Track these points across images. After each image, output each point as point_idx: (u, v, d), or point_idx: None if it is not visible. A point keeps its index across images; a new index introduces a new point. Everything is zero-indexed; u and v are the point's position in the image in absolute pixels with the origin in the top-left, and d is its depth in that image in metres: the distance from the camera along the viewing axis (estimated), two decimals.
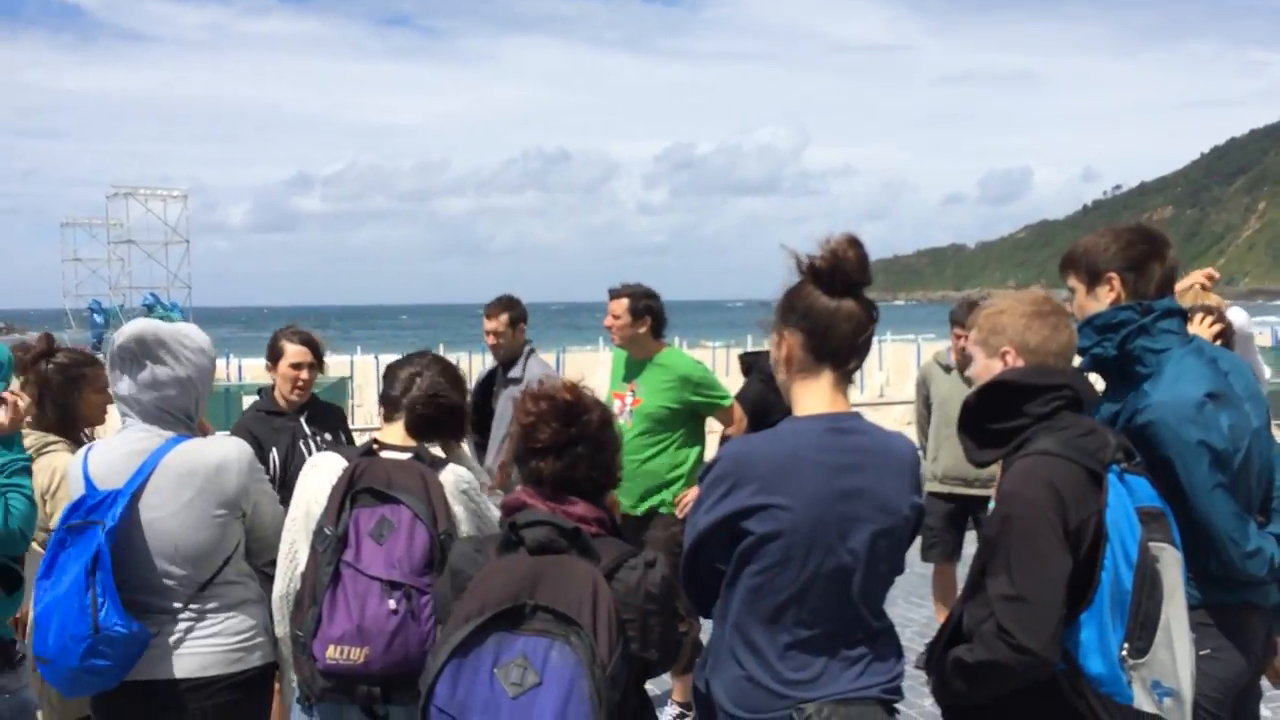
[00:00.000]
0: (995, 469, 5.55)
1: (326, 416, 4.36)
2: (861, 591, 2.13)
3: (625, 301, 4.77)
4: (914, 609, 6.74)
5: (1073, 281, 2.77)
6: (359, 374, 30.27)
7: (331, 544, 2.53)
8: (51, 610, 2.53)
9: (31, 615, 2.68)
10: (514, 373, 5.21)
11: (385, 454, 2.72)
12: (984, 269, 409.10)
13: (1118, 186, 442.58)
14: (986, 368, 2.45)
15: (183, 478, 2.65)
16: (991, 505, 4.99)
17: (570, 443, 2.08)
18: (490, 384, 5.37)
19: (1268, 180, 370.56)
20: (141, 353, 2.68)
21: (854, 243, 2.16)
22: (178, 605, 2.65)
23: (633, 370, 4.85)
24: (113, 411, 3.36)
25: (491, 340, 5.28)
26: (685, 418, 4.75)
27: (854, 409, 2.22)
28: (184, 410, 2.75)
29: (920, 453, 5.90)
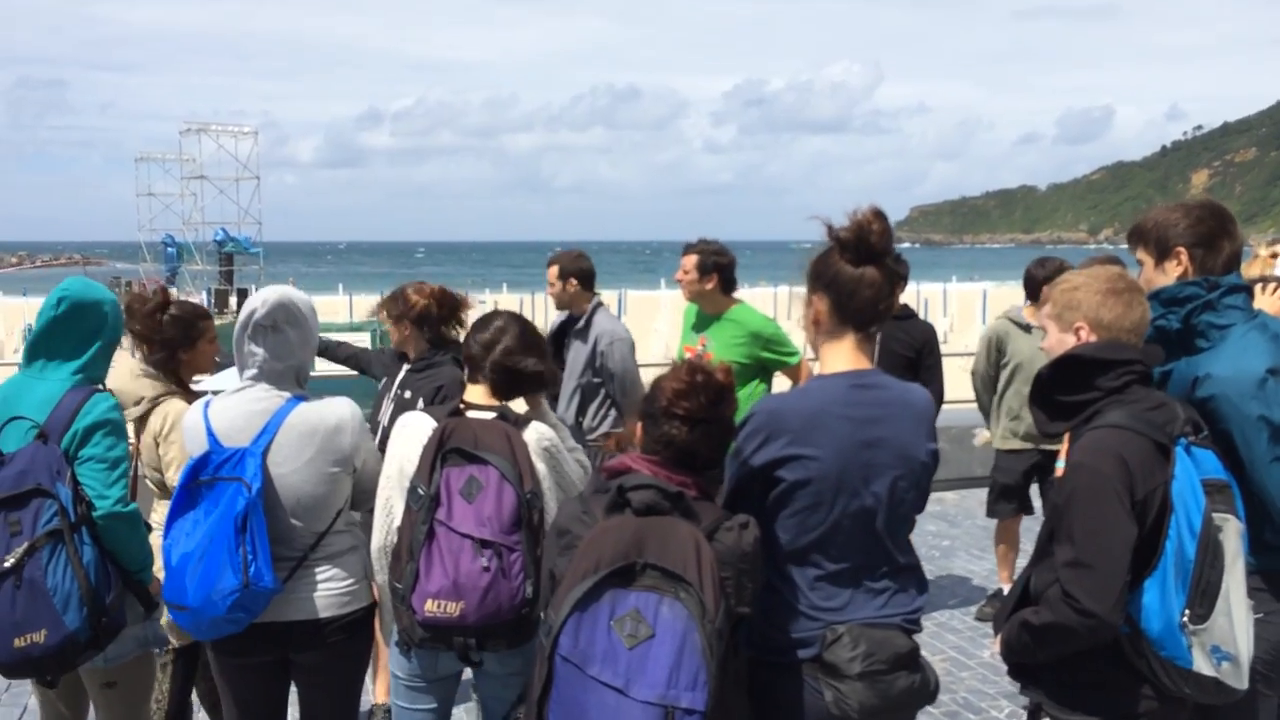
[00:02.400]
0: None
1: (427, 369, 4.34)
2: (886, 529, 2.37)
3: (694, 258, 4.90)
4: (975, 561, 6.86)
5: (1141, 254, 2.85)
6: None
7: (425, 503, 2.69)
8: (189, 561, 2.74)
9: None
10: (579, 325, 5.35)
11: (471, 414, 2.87)
12: (1054, 212, 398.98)
13: (1199, 127, 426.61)
14: (1060, 341, 2.55)
15: (304, 436, 2.86)
16: (1060, 465, 5.08)
17: (708, 420, 2.24)
18: (562, 335, 5.52)
19: None
20: (281, 321, 2.88)
21: (878, 215, 2.36)
22: (298, 554, 2.88)
23: (703, 324, 4.98)
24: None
25: (549, 290, 5.45)
26: (754, 372, 4.87)
27: (874, 367, 2.43)
28: (302, 372, 2.96)
29: (968, 407, 5.94)
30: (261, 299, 2.89)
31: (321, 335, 5.44)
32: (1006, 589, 5.93)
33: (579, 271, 5.39)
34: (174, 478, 3.35)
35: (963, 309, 34.61)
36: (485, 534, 2.64)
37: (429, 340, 4.26)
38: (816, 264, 2.41)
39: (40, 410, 2.86)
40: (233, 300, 49.58)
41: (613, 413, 5.31)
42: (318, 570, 2.90)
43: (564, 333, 5.46)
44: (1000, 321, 5.81)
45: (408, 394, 4.20)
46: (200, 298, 48.96)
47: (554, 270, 5.40)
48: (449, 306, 4.21)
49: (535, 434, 2.88)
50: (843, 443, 2.30)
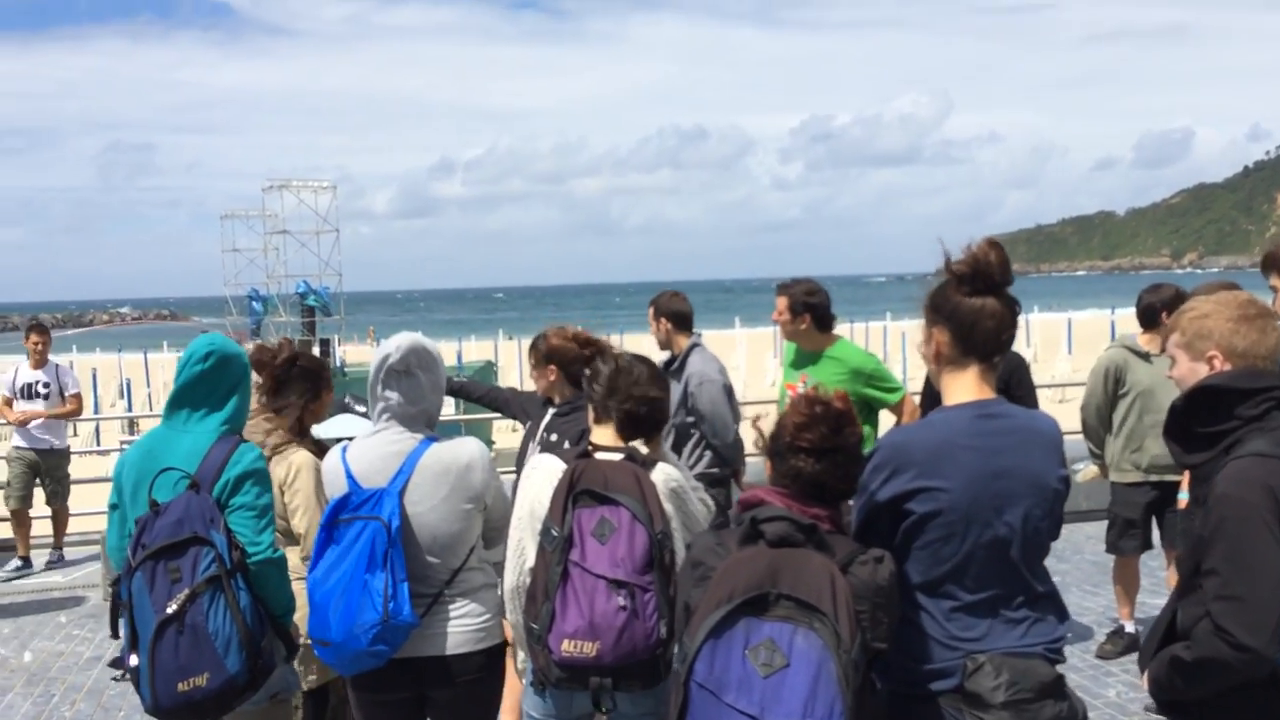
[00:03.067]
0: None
1: (572, 413, 4.40)
2: (1021, 557, 2.34)
3: (785, 299, 4.93)
4: (1088, 597, 6.69)
5: (1274, 281, 2.82)
6: (502, 357, 31.23)
7: (559, 544, 2.74)
8: (331, 597, 2.85)
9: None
10: (674, 366, 5.39)
11: (600, 455, 2.92)
12: (1134, 237, 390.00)
13: None
14: (1192, 371, 2.52)
15: (438, 476, 2.96)
16: (1182, 496, 4.96)
17: (833, 450, 2.26)
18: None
19: None
20: (413, 365, 2.99)
21: (994, 245, 2.38)
22: (434, 591, 2.97)
23: (804, 361, 5.00)
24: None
25: (651, 330, 5.52)
26: (858, 410, 4.84)
27: (998, 396, 2.44)
28: (433, 414, 3.06)
29: (1079, 437, 5.81)
30: (395, 344, 3.00)
31: (451, 376, 5.59)
32: (1128, 626, 5.79)
33: (671, 312, 5.45)
34: (300, 524, 3.48)
35: (1046, 339, 33.97)
36: (619, 574, 2.68)
37: (572, 383, 4.31)
38: (934, 297, 2.43)
39: (189, 461, 2.99)
40: (315, 350, 50.95)
41: (708, 454, 5.33)
42: (453, 606, 2.98)
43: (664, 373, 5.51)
44: (1117, 350, 5.64)
45: (554, 437, 4.27)
46: None
47: (651, 311, 5.48)
48: (591, 349, 4.30)
49: (662, 475, 2.92)
50: (971, 473, 2.30)
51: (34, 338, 8.57)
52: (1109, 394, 5.59)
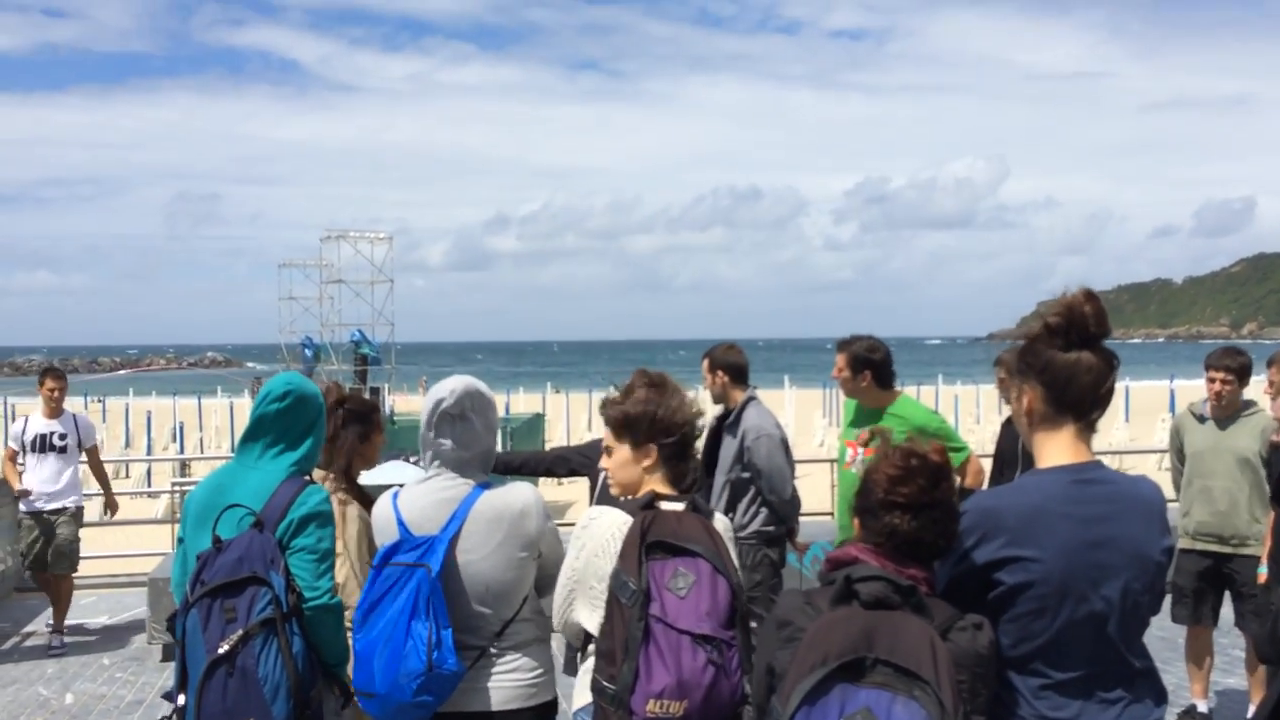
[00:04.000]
0: (1260, 526, 5.27)
1: None
2: (1119, 634, 2.16)
3: (844, 356, 4.81)
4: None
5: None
6: (549, 410, 31.24)
7: (639, 599, 2.58)
8: (375, 647, 2.74)
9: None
10: (730, 420, 5.29)
11: (663, 505, 2.79)
12: (1192, 305, 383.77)
13: None
14: None
15: (492, 523, 2.86)
16: (1261, 571, 4.72)
17: (930, 504, 2.12)
18: (718, 429, 5.46)
19: None
20: (466, 411, 2.91)
21: (1090, 296, 2.21)
22: (483, 643, 2.85)
23: (864, 419, 4.86)
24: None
25: (705, 384, 5.42)
26: None
27: (1096, 458, 2.25)
28: (487, 459, 2.97)
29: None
30: (449, 388, 2.92)
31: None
32: (1200, 704, 5.52)
33: (728, 365, 5.35)
34: (339, 574, 3.38)
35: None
36: (705, 629, 2.54)
37: None
38: (1023, 353, 2.27)
39: (256, 498, 2.91)
40: (366, 398, 51.48)
41: (763, 511, 5.20)
42: (503, 660, 2.87)
43: (720, 427, 5.41)
44: (1181, 414, 5.61)
45: None
46: None
47: (706, 363, 5.38)
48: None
49: (722, 524, 2.82)
50: (1067, 543, 2.12)
51: (49, 383, 7.45)
52: (1179, 456, 5.49)
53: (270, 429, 3.03)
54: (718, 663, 2.51)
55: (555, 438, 28.44)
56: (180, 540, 3.11)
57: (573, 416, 32.83)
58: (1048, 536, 2.13)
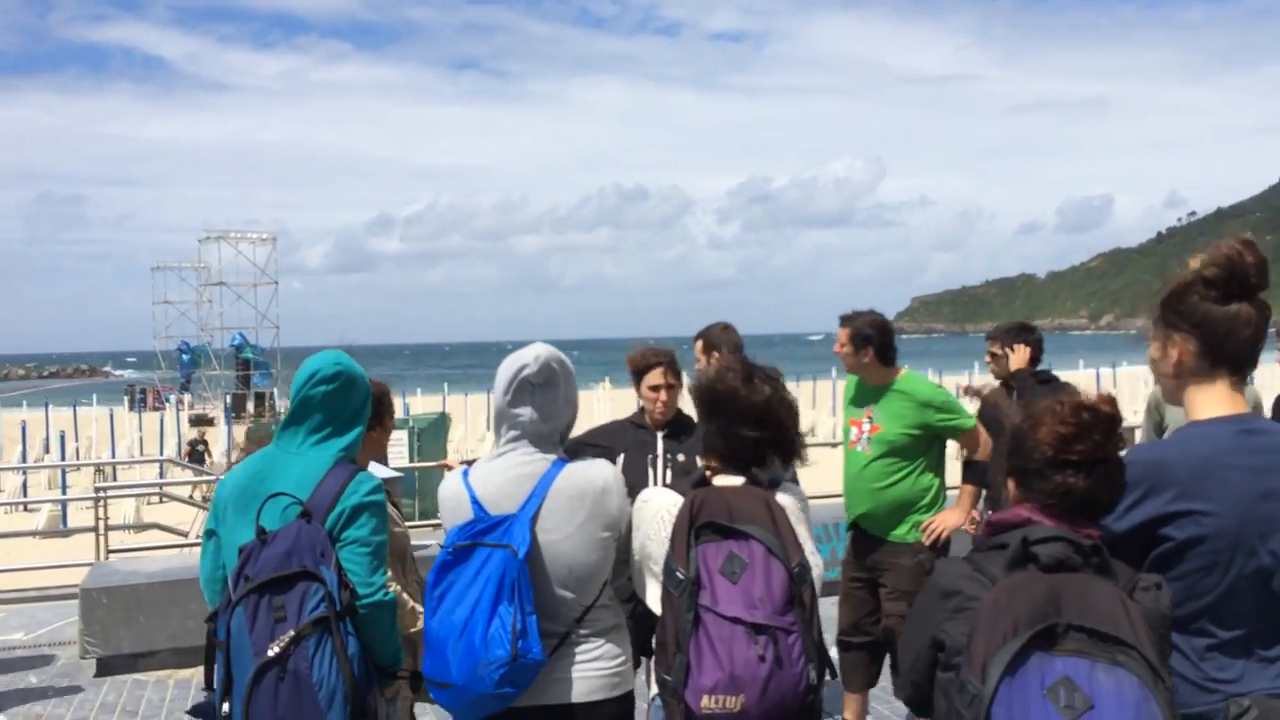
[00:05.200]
0: None
1: (683, 434, 4.30)
2: None
3: (846, 331, 4.74)
4: None
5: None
6: (452, 410, 30.69)
7: (687, 587, 2.42)
8: (451, 634, 2.53)
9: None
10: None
11: (718, 481, 2.64)
12: (1054, 299, 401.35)
13: (1193, 213, 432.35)
14: None
15: (574, 500, 2.66)
16: None
17: (1104, 459, 2.01)
18: None
19: None
20: (550, 379, 2.71)
21: (1249, 246, 2.15)
22: (563, 629, 2.66)
23: (868, 396, 4.79)
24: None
25: (697, 367, 5.32)
26: (928, 443, 4.69)
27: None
28: (566, 433, 2.78)
29: None
30: (533, 354, 2.71)
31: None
32: None
33: (726, 345, 5.22)
34: None
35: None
36: (758, 617, 2.37)
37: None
38: (1173, 302, 2.19)
39: (301, 487, 2.67)
40: (250, 404, 49.57)
41: None
42: (583, 647, 2.68)
43: None
44: (1158, 387, 5.68)
45: (681, 457, 4.16)
46: (217, 404, 49.05)
47: (700, 344, 5.23)
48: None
49: (790, 498, 2.65)
50: (1239, 495, 2.05)
51: None
52: (1155, 426, 5.59)
53: (317, 411, 2.78)
54: (773, 654, 2.36)
55: (456, 438, 28.00)
56: (210, 533, 2.83)
57: (472, 418, 32.33)
58: (1219, 489, 2.05)
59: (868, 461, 4.66)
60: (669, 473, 4.13)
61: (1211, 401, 2.18)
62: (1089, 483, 1.99)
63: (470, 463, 2.81)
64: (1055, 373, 5.67)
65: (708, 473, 2.68)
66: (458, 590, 2.58)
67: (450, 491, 2.74)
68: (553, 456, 2.72)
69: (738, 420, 2.68)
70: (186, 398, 47.41)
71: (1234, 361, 2.17)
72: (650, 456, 4.21)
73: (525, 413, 2.71)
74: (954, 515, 4.68)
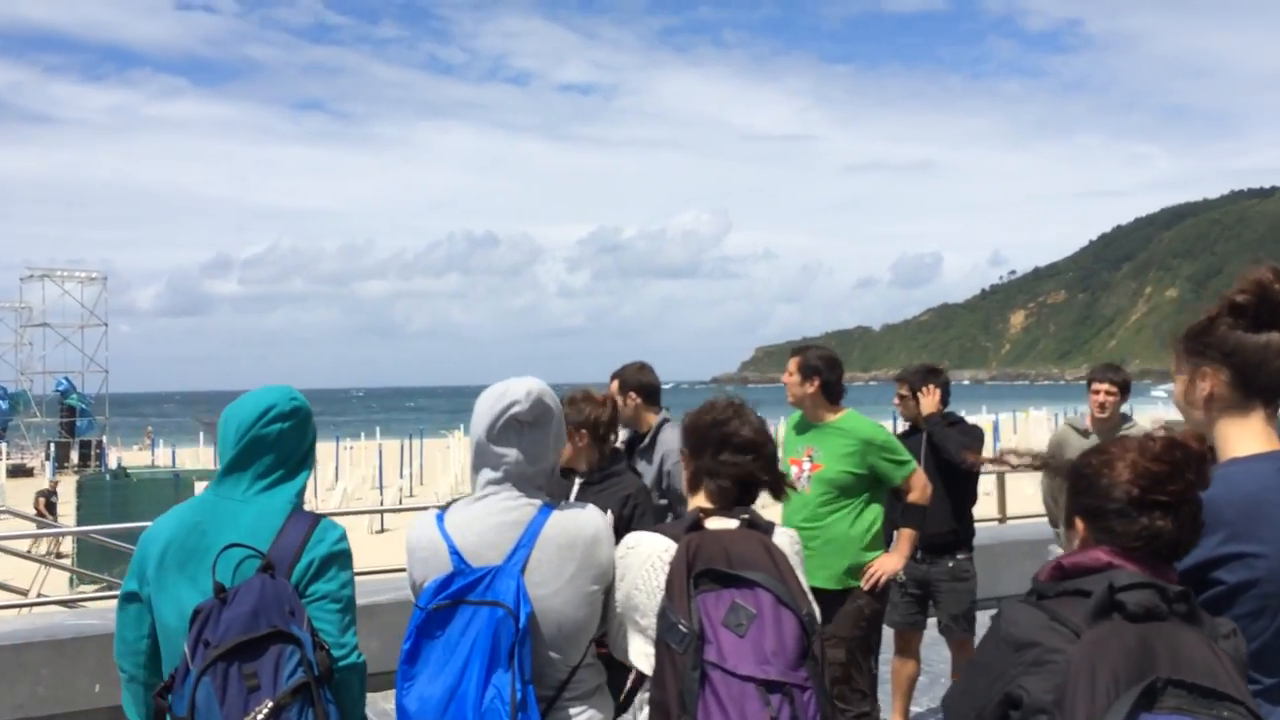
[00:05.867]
0: None
1: (602, 483, 4.02)
2: None
3: (797, 359, 4.69)
4: None
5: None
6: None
7: (692, 642, 2.22)
8: (433, 705, 2.24)
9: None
10: (644, 444, 5.02)
11: (711, 524, 2.47)
12: (889, 350, 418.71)
13: (1013, 272, 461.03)
14: None
15: (564, 550, 2.42)
16: None
17: (1190, 500, 1.90)
18: (628, 454, 5.14)
19: (1152, 266, 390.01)
20: (541, 417, 2.48)
21: (1278, 273, 2.10)
22: (551, 694, 2.40)
23: (809, 434, 4.70)
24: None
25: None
26: (869, 483, 4.61)
27: None
28: (550, 475, 2.54)
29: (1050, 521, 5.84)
30: (524, 389, 2.47)
31: None
32: None
33: (640, 386, 5.06)
34: None
35: None
36: (771, 673, 2.19)
37: (600, 451, 4.02)
38: (1201, 334, 2.14)
39: (256, 537, 2.35)
40: (74, 454, 46.34)
41: None
42: (571, 713, 2.43)
43: (630, 452, 5.10)
44: (1062, 429, 5.81)
45: None
46: (37, 453, 45.67)
47: (615, 385, 5.06)
48: (616, 415, 4.00)
49: (786, 539, 2.50)
50: None
51: None
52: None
53: (269, 453, 2.47)
54: (789, 714, 2.17)
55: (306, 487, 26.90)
56: (131, 596, 2.46)
57: (322, 465, 31.14)
58: (1269, 530, 1.97)
59: (809, 503, 4.55)
60: None
61: (1247, 437, 2.11)
62: (1175, 525, 1.88)
63: (445, 507, 2.52)
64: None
65: (700, 514, 2.49)
66: (440, 655, 2.29)
67: (423, 540, 2.45)
68: (539, 502, 2.48)
69: (731, 453, 2.55)
70: (3, 446, 44.03)
71: (1267, 393, 2.11)
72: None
73: (511, 454, 2.46)
74: (893, 560, 4.61)
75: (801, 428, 4.75)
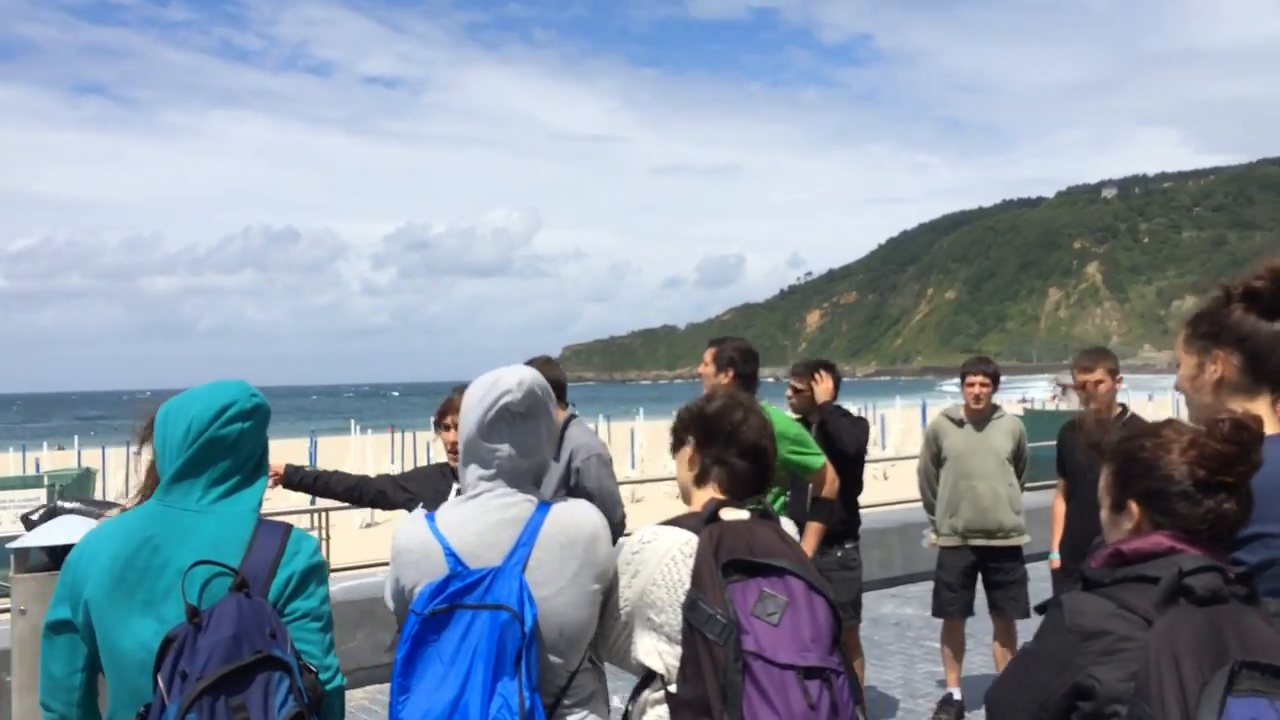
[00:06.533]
0: (1019, 519, 5.72)
1: None
2: None
3: (713, 350, 4.63)
4: (917, 663, 6.81)
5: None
6: (91, 464, 27.24)
7: (731, 632, 2.14)
8: (442, 715, 2.04)
9: None
10: None
11: (726, 514, 2.38)
12: (693, 349, 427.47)
13: (809, 273, 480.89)
14: None
15: (565, 549, 2.25)
16: (1054, 557, 5.08)
17: (1248, 482, 1.90)
18: None
19: (934, 269, 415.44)
20: (534, 409, 2.29)
21: None
22: (551, 700, 2.23)
23: None
24: None
25: None
26: (778, 477, 4.58)
27: None
28: (542, 471, 2.36)
29: (927, 510, 6.00)
30: (515, 379, 2.28)
31: (302, 467, 4.56)
32: (955, 693, 5.90)
33: (548, 380, 4.89)
34: None
35: (617, 442, 35.18)
36: (812, 660, 2.13)
37: None
38: (1212, 319, 2.18)
39: (223, 552, 2.06)
40: None
41: None
42: (570, 718, 2.26)
43: None
44: (937, 419, 5.96)
45: None
46: None
47: None
48: None
49: (791, 527, 2.47)
50: None
51: None
52: (933, 464, 5.84)
53: (226, 457, 2.16)
54: (829, 698, 2.12)
55: (114, 494, 24.97)
56: (62, 624, 2.12)
57: (110, 473, 28.80)
58: None
59: None
60: None
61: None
62: (1236, 507, 1.88)
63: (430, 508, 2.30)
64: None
65: (715, 504, 2.38)
66: (438, 664, 2.08)
67: (414, 542, 2.23)
68: (534, 498, 2.30)
69: (739, 444, 2.47)
70: None
71: (1276, 378, 2.16)
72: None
73: (503, 449, 2.27)
74: None
75: None
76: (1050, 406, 43.54)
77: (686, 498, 2.52)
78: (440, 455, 4.55)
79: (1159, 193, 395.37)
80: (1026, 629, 6.30)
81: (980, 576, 5.77)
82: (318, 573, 2.14)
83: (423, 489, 3.84)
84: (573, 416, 4.85)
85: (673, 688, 2.23)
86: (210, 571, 2.02)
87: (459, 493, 3.49)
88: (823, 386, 5.47)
